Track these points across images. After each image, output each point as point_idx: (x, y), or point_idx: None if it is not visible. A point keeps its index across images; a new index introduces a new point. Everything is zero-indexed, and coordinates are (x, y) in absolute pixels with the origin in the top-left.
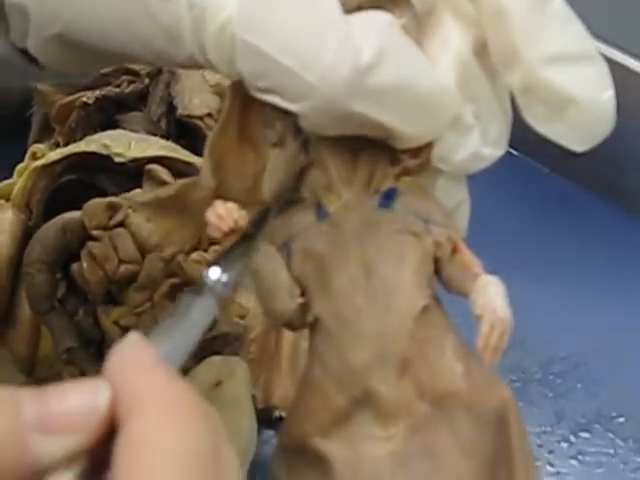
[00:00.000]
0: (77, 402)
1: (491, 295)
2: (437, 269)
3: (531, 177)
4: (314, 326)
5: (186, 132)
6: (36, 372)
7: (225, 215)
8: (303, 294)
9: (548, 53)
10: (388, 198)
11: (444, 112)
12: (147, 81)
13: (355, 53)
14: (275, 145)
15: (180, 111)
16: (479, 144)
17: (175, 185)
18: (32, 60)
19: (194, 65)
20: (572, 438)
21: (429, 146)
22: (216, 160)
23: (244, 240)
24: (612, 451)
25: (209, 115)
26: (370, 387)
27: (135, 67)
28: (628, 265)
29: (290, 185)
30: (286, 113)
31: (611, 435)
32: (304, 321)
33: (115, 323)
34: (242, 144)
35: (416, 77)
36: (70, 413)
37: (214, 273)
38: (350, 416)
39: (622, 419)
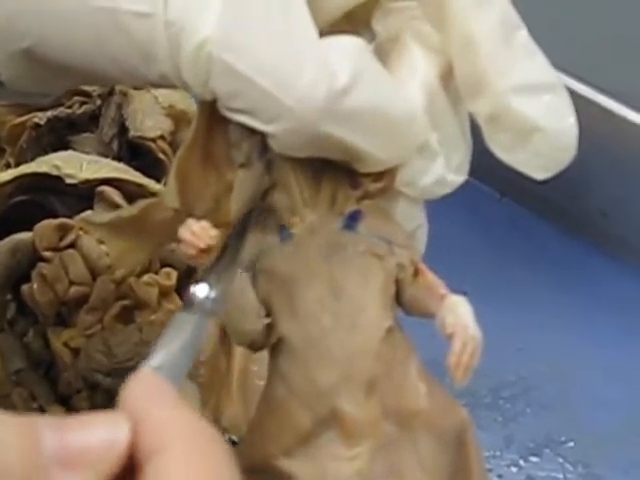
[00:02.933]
0: (97, 436)
1: (461, 314)
2: (397, 291)
3: (482, 201)
4: (277, 346)
5: (138, 154)
6: None
7: (200, 232)
8: (268, 314)
9: (515, 83)
10: (352, 220)
11: (414, 138)
12: (99, 102)
13: (331, 76)
14: (242, 166)
15: (132, 133)
16: (444, 170)
17: (138, 205)
18: None
19: (165, 84)
20: (522, 462)
21: (391, 171)
22: (181, 181)
23: (226, 255)
24: (561, 476)
25: (161, 137)
26: (337, 407)
27: (87, 88)
28: (578, 290)
29: (256, 205)
30: (252, 134)
31: (560, 459)
32: (267, 341)
33: (65, 345)
34: (205, 165)
35: (389, 102)
36: (90, 447)
37: (202, 290)
38: (315, 436)
39: (572, 444)
